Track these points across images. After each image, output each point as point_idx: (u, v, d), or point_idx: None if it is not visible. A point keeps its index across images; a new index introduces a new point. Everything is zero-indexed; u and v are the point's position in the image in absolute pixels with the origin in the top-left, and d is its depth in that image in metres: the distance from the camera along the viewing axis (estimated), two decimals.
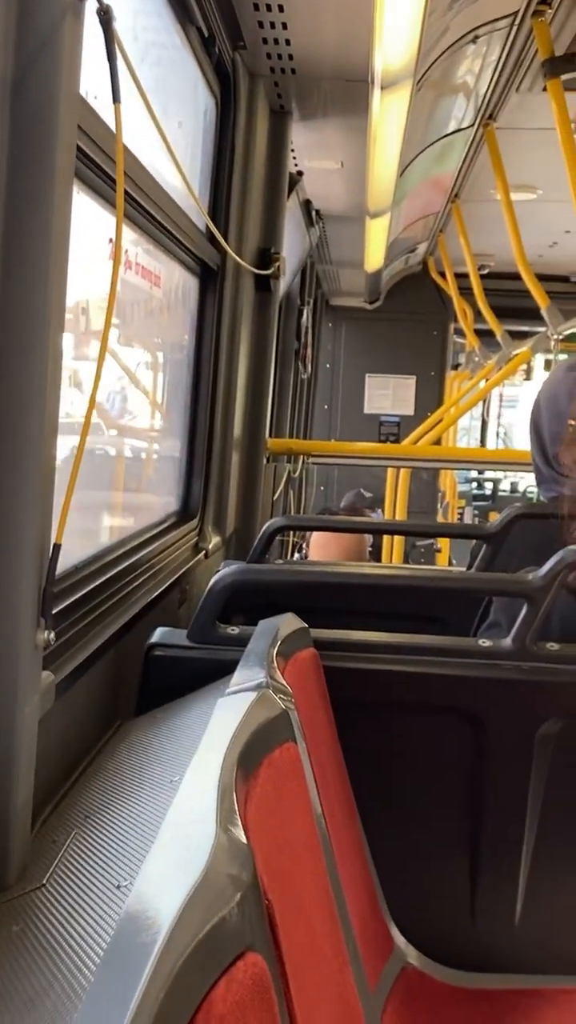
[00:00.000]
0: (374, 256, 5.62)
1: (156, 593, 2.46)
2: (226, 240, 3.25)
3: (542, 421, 2.66)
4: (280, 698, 1.64)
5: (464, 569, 3.63)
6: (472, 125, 4.63)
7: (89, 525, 2.48)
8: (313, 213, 5.67)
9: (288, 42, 3.15)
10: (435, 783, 2.24)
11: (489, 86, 4.11)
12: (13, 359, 1.38)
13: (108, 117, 1.69)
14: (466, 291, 6.87)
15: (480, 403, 12.34)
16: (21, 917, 1.31)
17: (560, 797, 2.18)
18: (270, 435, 4.21)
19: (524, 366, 10.78)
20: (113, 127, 1.56)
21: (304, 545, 5.67)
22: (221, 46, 3.04)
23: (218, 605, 2.19)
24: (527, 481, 11.80)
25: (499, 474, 13.09)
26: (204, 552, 3.25)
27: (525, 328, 7.64)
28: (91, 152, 1.79)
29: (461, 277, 7.05)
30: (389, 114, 3.03)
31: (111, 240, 1.72)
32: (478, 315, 6.75)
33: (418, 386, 9.42)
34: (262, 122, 3.58)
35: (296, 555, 6.01)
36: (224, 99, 3.31)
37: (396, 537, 6.64)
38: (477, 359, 7.70)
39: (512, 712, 2.17)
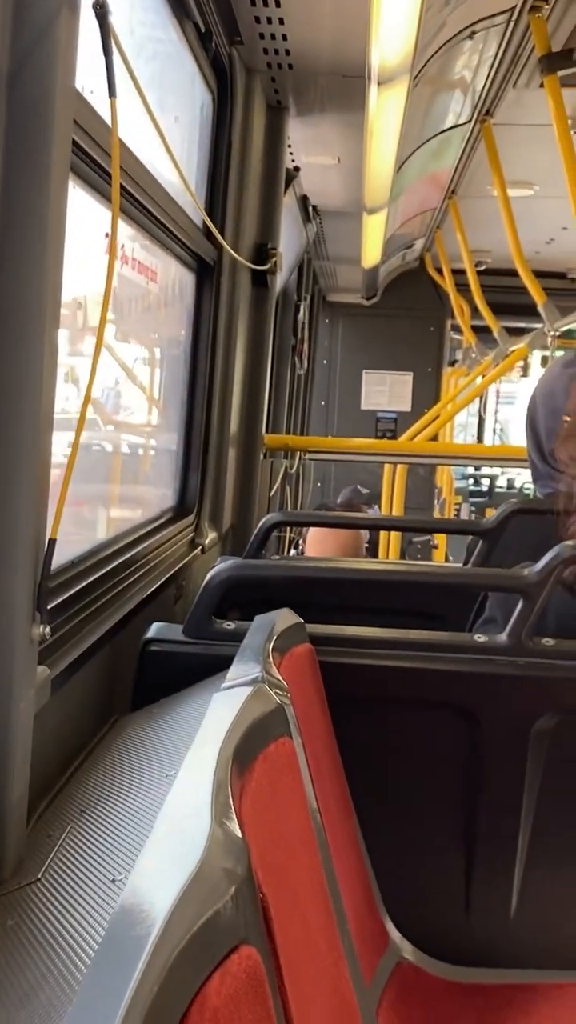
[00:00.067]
0: (371, 252, 5.61)
1: (152, 588, 2.46)
2: (223, 235, 3.25)
3: (538, 417, 2.66)
4: (276, 693, 1.64)
5: (460, 565, 3.63)
6: (469, 121, 4.63)
7: (86, 519, 2.49)
8: (310, 209, 5.67)
9: (285, 37, 3.14)
10: (430, 778, 2.24)
11: (486, 82, 4.11)
12: (8, 353, 1.37)
13: (104, 112, 1.69)
14: (463, 287, 6.86)
15: (477, 399, 12.36)
16: (16, 911, 1.32)
17: (555, 792, 2.18)
18: (267, 431, 4.21)
19: (521, 362, 10.79)
20: (109, 122, 1.56)
21: (300, 541, 5.68)
22: (218, 41, 3.04)
23: (214, 600, 2.19)
24: (524, 477, 11.81)
25: (496, 470, 13.11)
26: (200, 548, 3.25)
27: (522, 324, 7.63)
28: (87, 146, 1.79)
29: (458, 273, 7.05)
30: (386, 110, 3.02)
31: (107, 235, 1.72)
32: (475, 311, 6.75)
33: (415, 382, 9.42)
34: (259, 117, 3.58)
35: (292, 551, 6.02)
36: (221, 94, 3.31)
37: (393, 533, 6.64)
38: (474, 355, 7.71)
39: (507, 707, 2.17)
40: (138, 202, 2.35)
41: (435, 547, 8.23)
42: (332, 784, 2.03)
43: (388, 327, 9.32)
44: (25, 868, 1.43)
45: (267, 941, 1.11)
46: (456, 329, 8.94)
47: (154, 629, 2.22)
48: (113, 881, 1.33)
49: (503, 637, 2.17)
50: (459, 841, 2.22)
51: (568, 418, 2.54)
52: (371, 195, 4.08)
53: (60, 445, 1.57)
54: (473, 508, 11.82)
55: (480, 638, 2.21)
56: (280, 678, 1.74)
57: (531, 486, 2.88)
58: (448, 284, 7.46)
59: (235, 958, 0.95)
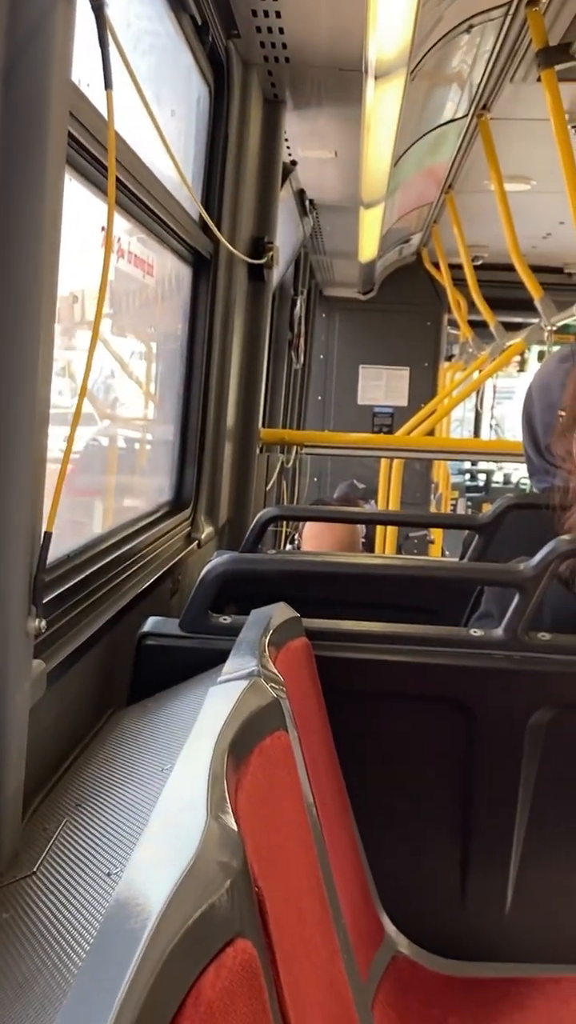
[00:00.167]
0: (368, 246, 5.62)
1: (148, 583, 2.46)
2: (219, 229, 3.24)
3: (534, 412, 2.66)
4: (271, 687, 1.64)
5: (456, 560, 3.63)
6: (466, 115, 4.63)
7: (83, 514, 2.49)
8: (307, 203, 5.67)
9: (282, 31, 3.14)
10: (426, 772, 2.24)
11: (483, 76, 4.11)
12: (4, 347, 1.37)
13: (100, 104, 1.69)
14: (460, 282, 6.86)
15: (474, 394, 12.36)
16: (11, 905, 1.32)
17: (551, 786, 2.18)
18: (263, 425, 4.21)
19: (518, 357, 10.79)
20: (105, 114, 1.56)
21: (297, 536, 5.68)
22: (214, 34, 3.03)
23: (210, 594, 2.19)
24: (520, 472, 11.81)
25: (492, 465, 13.10)
26: (197, 542, 3.25)
27: (519, 319, 7.63)
28: (83, 139, 1.79)
29: (455, 268, 7.05)
30: (383, 104, 3.03)
31: (103, 228, 1.72)
32: (472, 306, 6.75)
33: (412, 377, 9.42)
34: (256, 111, 3.58)
35: (289, 546, 6.02)
36: (217, 88, 3.31)
37: (389, 528, 6.64)
38: (471, 350, 7.70)
39: (503, 701, 2.17)
40: (134, 195, 2.35)
41: (431, 542, 8.23)
42: (328, 778, 2.03)
43: (385, 322, 9.32)
44: (20, 861, 1.43)
45: (262, 935, 1.11)
46: (453, 324, 8.94)
47: (150, 623, 2.22)
48: (108, 875, 1.33)
49: (499, 631, 2.17)
50: (455, 835, 2.22)
51: (563, 413, 2.54)
52: (368, 189, 4.09)
53: (56, 439, 1.57)
54: (469, 503, 11.82)
55: (476, 632, 2.21)
56: (276, 672, 1.74)
57: (527, 481, 2.88)
58: (445, 279, 7.46)
59: (230, 951, 0.95)
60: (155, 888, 0.93)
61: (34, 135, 1.35)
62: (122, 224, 2.47)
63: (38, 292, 1.38)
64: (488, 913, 2.21)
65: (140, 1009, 0.79)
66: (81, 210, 1.97)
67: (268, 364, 4.37)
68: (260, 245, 3.74)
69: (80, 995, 0.83)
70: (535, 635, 2.17)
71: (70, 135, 1.58)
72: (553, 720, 2.17)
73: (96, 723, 2.04)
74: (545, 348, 5.93)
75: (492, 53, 3.83)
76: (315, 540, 4.75)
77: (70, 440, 1.54)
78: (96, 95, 1.73)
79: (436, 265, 7.82)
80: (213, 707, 1.50)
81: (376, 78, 2.76)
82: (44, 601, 1.49)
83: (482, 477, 13.27)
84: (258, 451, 4.09)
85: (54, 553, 1.83)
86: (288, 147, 4.32)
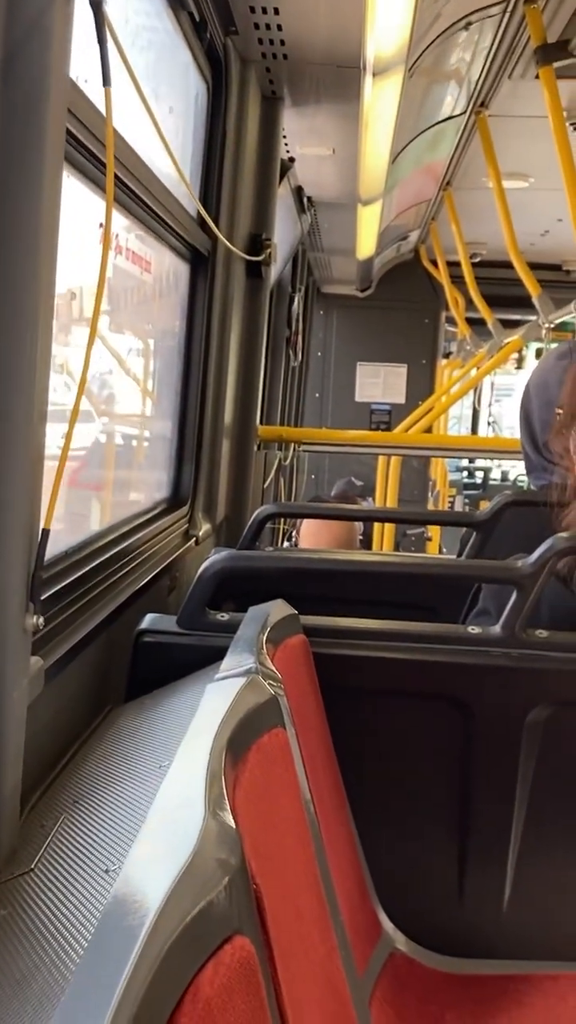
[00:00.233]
0: (366, 243, 5.62)
1: (146, 580, 2.46)
2: (217, 226, 3.24)
3: (532, 409, 2.66)
4: (269, 684, 1.64)
5: (454, 557, 3.63)
6: (464, 112, 4.63)
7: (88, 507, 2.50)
8: (305, 200, 5.66)
9: (280, 27, 3.14)
10: (424, 769, 2.24)
11: (481, 73, 4.11)
12: (2, 344, 1.37)
13: (99, 101, 1.69)
14: (458, 279, 6.86)
15: (471, 392, 12.36)
16: (9, 901, 1.32)
17: (548, 784, 2.18)
18: (261, 422, 4.21)
19: (515, 355, 10.79)
20: (104, 111, 1.55)
21: (294, 533, 5.67)
22: (212, 31, 3.03)
23: (208, 591, 2.19)
24: (518, 470, 11.82)
25: (490, 463, 13.11)
26: (194, 539, 3.25)
27: (517, 316, 7.64)
28: (81, 136, 1.79)
29: (453, 265, 7.04)
30: (381, 101, 3.03)
31: (101, 225, 1.72)
32: (470, 303, 6.75)
33: (409, 374, 9.42)
34: (254, 108, 3.57)
35: (286, 543, 6.01)
36: (215, 84, 3.30)
37: (387, 526, 6.64)
38: (468, 347, 7.70)
39: (501, 699, 2.17)
40: (132, 192, 2.35)
41: (429, 539, 8.23)
42: (326, 775, 2.03)
43: (383, 319, 9.32)
44: (18, 858, 1.43)
45: (260, 932, 1.11)
46: (451, 321, 8.93)
47: (148, 620, 2.22)
48: (106, 871, 1.33)
49: (497, 629, 2.17)
50: (452, 832, 2.22)
51: (560, 410, 2.54)
52: (366, 186, 4.08)
53: (55, 436, 1.57)
54: (467, 500, 11.82)
55: (474, 630, 2.21)
56: (274, 669, 1.74)
57: (525, 478, 2.88)
58: (443, 276, 7.46)
59: (228, 949, 0.95)
60: (153, 885, 0.93)
61: (32, 132, 1.35)
62: (120, 221, 2.47)
63: (36, 289, 1.38)
64: (486, 910, 2.21)
65: (138, 1006, 0.79)
66: (79, 207, 1.97)
67: (266, 361, 4.37)
68: (258, 242, 3.74)
69: (78, 991, 0.83)
70: (533, 632, 2.17)
71: (68, 132, 1.58)
72: (550, 717, 2.17)
73: (94, 720, 2.04)
74: (543, 345, 5.93)
75: (490, 50, 3.83)
76: (313, 537, 4.75)
77: (68, 437, 1.54)
78: (94, 92, 1.72)
79: (434, 262, 7.82)
80: (211, 704, 1.50)
81: (374, 75, 2.76)
82: (42, 598, 1.49)
83: (480, 474, 13.27)
84: (256, 448, 4.08)
85: (52, 550, 1.83)
86: (286, 144, 4.32)
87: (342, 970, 1.65)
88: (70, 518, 2.45)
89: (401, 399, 9.35)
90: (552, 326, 5.08)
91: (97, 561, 2.21)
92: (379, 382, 9.47)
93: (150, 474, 3.31)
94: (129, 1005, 0.79)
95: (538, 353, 10.89)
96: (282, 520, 5.86)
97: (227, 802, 1.15)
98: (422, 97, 4.11)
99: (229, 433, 3.70)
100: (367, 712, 2.21)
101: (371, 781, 2.21)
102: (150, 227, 2.70)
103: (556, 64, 3.59)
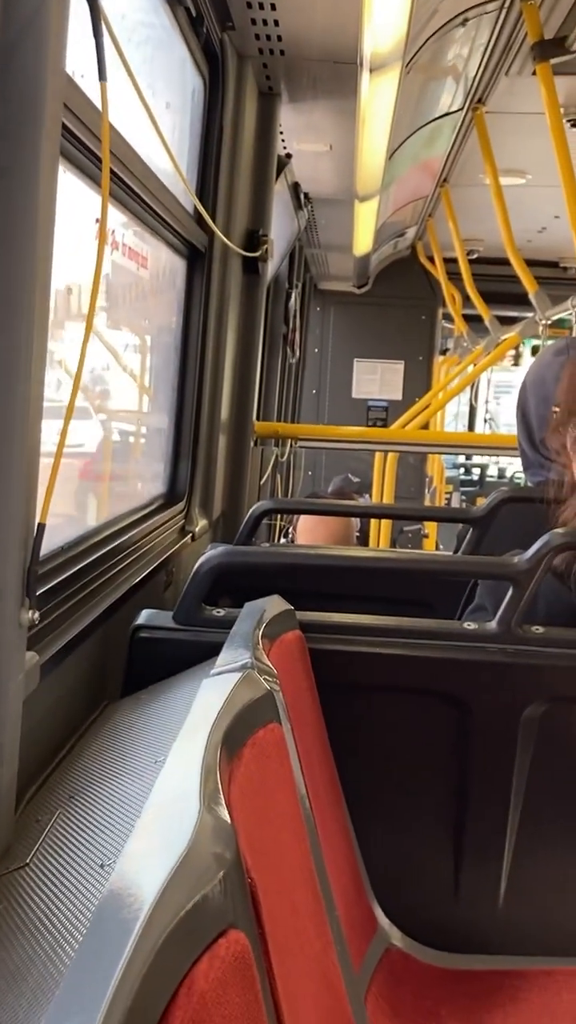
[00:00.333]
0: (363, 240, 5.62)
1: (142, 575, 2.46)
2: (214, 221, 3.24)
3: (529, 405, 2.66)
4: (265, 679, 1.64)
5: (451, 553, 3.63)
6: (461, 109, 4.62)
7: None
8: (302, 196, 5.66)
9: (277, 23, 3.14)
10: (420, 765, 2.24)
11: (478, 69, 4.10)
12: None
13: (95, 96, 1.69)
14: (455, 276, 6.86)
15: (468, 388, 12.35)
16: (4, 896, 1.32)
17: (544, 779, 2.19)
18: (257, 419, 4.21)
19: (512, 352, 10.79)
20: (99, 106, 1.55)
21: (291, 530, 5.67)
22: (209, 26, 3.03)
23: (204, 587, 2.19)
24: (515, 466, 11.82)
25: (487, 459, 13.11)
26: (191, 535, 3.25)
27: (514, 313, 7.64)
28: (77, 131, 1.78)
29: (450, 262, 7.04)
30: (378, 97, 3.02)
31: (97, 220, 1.72)
32: (467, 300, 6.74)
33: (406, 371, 9.42)
34: (250, 103, 3.57)
35: (283, 540, 6.01)
36: (212, 80, 3.30)
37: (384, 522, 6.64)
38: (465, 344, 7.69)
39: (497, 695, 2.18)
40: (129, 188, 2.34)
41: (426, 536, 8.22)
42: (321, 770, 2.03)
43: (380, 316, 9.31)
44: (14, 853, 1.43)
45: (255, 926, 1.11)
46: (447, 318, 8.93)
47: (144, 616, 2.22)
48: (102, 866, 1.33)
49: (493, 625, 2.17)
50: (448, 828, 2.22)
51: (556, 409, 2.54)
52: (363, 183, 4.08)
53: (51, 432, 1.57)
54: (464, 497, 11.82)
55: (470, 626, 2.21)
56: (269, 664, 1.74)
57: (522, 475, 2.89)
58: (440, 273, 7.46)
59: (223, 942, 0.95)
60: (148, 879, 0.93)
61: (28, 126, 1.35)
62: (118, 217, 2.47)
63: (32, 284, 1.38)
64: (481, 905, 2.22)
65: (133, 999, 0.79)
66: (76, 202, 1.96)
67: (263, 357, 4.37)
68: (255, 238, 3.74)
69: (73, 984, 0.83)
70: (529, 628, 2.17)
71: (64, 127, 1.58)
72: (546, 713, 2.17)
73: (90, 715, 2.04)
74: (540, 342, 5.94)
75: (487, 46, 3.82)
76: (309, 534, 4.75)
77: (63, 433, 1.54)
78: (90, 87, 1.72)
79: (431, 259, 7.82)
80: (206, 699, 1.50)
81: (371, 71, 2.76)
82: (38, 593, 1.49)
83: (476, 471, 13.28)
84: (252, 444, 4.08)
85: (49, 545, 1.83)
86: (283, 140, 4.32)
87: (337, 965, 1.65)
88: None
89: (398, 396, 9.35)
90: (549, 323, 5.08)
91: (93, 557, 2.21)
92: (376, 378, 9.46)
93: (148, 468, 3.32)
94: (124, 998, 0.79)
95: (534, 350, 10.89)
96: (279, 516, 5.86)
97: (222, 797, 1.15)
98: (419, 93, 4.11)
99: (226, 429, 3.70)
100: (363, 708, 2.21)
101: (367, 777, 2.21)
102: (147, 222, 2.70)
103: (553, 60, 3.59)
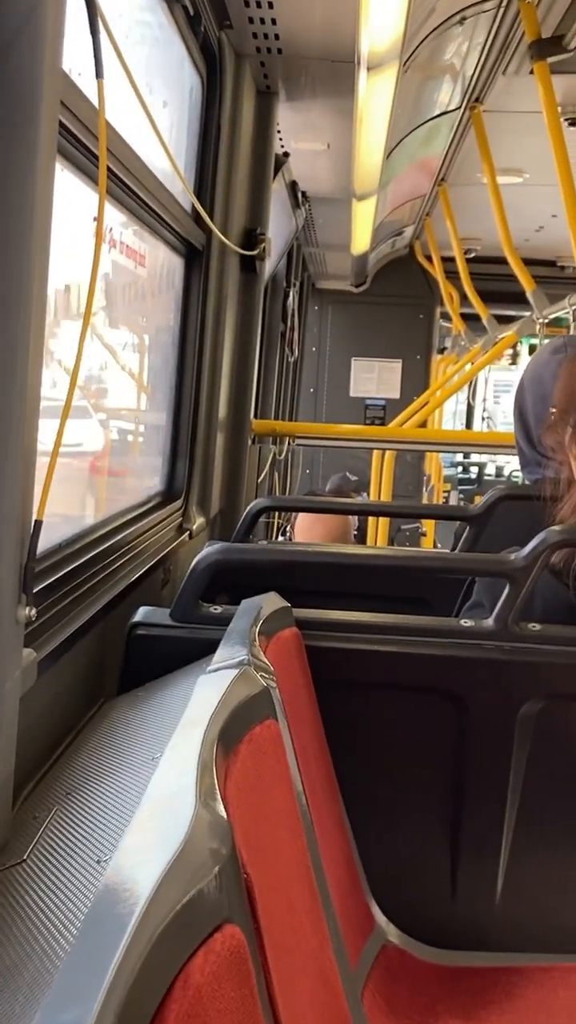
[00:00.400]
0: (360, 239, 5.61)
1: (140, 573, 2.47)
2: (212, 220, 3.24)
3: (526, 403, 2.66)
4: (261, 676, 1.64)
5: (447, 551, 3.63)
6: (459, 108, 4.62)
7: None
8: (299, 195, 5.66)
9: (274, 22, 3.14)
10: (417, 762, 2.25)
11: (476, 68, 4.10)
12: None
13: (92, 94, 1.69)
14: (452, 275, 6.87)
15: (466, 387, 12.36)
16: (1, 892, 1.32)
17: (540, 776, 2.19)
18: (255, 417, 4.21)
19: (510, 350, 10.79)
20: (96, 103, 1.55)
21: (289, 528, 5.68)
22: (207, 25, 3.03)
23: (201, 584, 2.20)
24: (513, 465, 11.82)
25: (485, 458, 13.12)
26: (188, 533, 3.25)
27: (511, 312, 7.65)
28: (74, 128, 1.78)
29: (448, 261, 7.05)
30: (375, 95, 3.02)
31: (95, 218, 1.72)
32: (464, 299, 6.75)
33: (404, 370, 9.43)
34: (248, 102, 3.57)
35: (281, 538, 6.02)
36: (210, 78, 3.30)
37: (381, 520, 6.65)
38: (463, 343, 7.70)
39: (494, 692, 2.18)
40: (126, 185, 2.34)
41: (423, 534, 8.23)
42: (318, 767, 2.04)
43: (377, 314, 9.32)
44: (10, 850, 1.44)
45: (251, 921, 1.12)
46: (445, 317, 8.94)
47: (141, 613, 2.22)
48: (98, 862, 1.33)
49: (489, 622, 2.18)
50: (445, 825, 2.23)
51: (554, 409, 2.54)
52: (361, 181, 4.08)
53: (48, 430, 1.57)
54: (462, 496, 11.83)
55: (467, 623, 2.21)
56: (266, 661, 1.74)
57: (520, 473, 2.89)
58: (437, 271, 7.47)
59: (218, 937, 0.95)
60: (144, 873, 0.93)
61: (24, 123, 1.35)
62: (117, 216, 2.47)
63: (29, 282, 1.38)
64: (478, 903, 2.22)
65: (128, 992, 0.79)
66: (73, 200, 1.97)
67: (260, 356, 4.37)
68: (252, 236, 3.74)
69: (68, 978, 0.84)
70: (526, 626, 2.17)
71: (61, 124, 1.58)
72: (543, 710, 2.17)
73: (87, 712, 2.04)
74: (537, 341, 5.94)
75: (485, 45, 3.82)
76: (307, 532, 4.75)
77: (60, 429, 1.54)
78: (87, 84, 1.72)
79: (429, 258, 7.83)
80: (203, 695, 1.50)
81: (369, 70, 2.76)
82: (35, 590, 1.49)
83: (474, 470, 13.29)
84: (250, 442, 4.08)
85: (46, 543, 1.83)
86: (281, 139, 4.32)
87: (334, 961, 1.65)
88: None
89: (396, 394, 9.36)
90: (546, 321, 5.09)
91: (91, 554, 2.21)
92: (374, 377, 9.47)
93: (153, 465, 3.33)
94: (119, 991, 0.79)
95: (532, 349, 10.90)
96: (276, 515, 5.87)
97: (218, 792, 1.15)
98: (417, 92, 4.12)
99: (223, 427, 3.71)
100: (360, 705, 2.22)
101: (364, 774, 2.22)
102: (144, 221, 2.70)
103: (550, 59, 3.59)
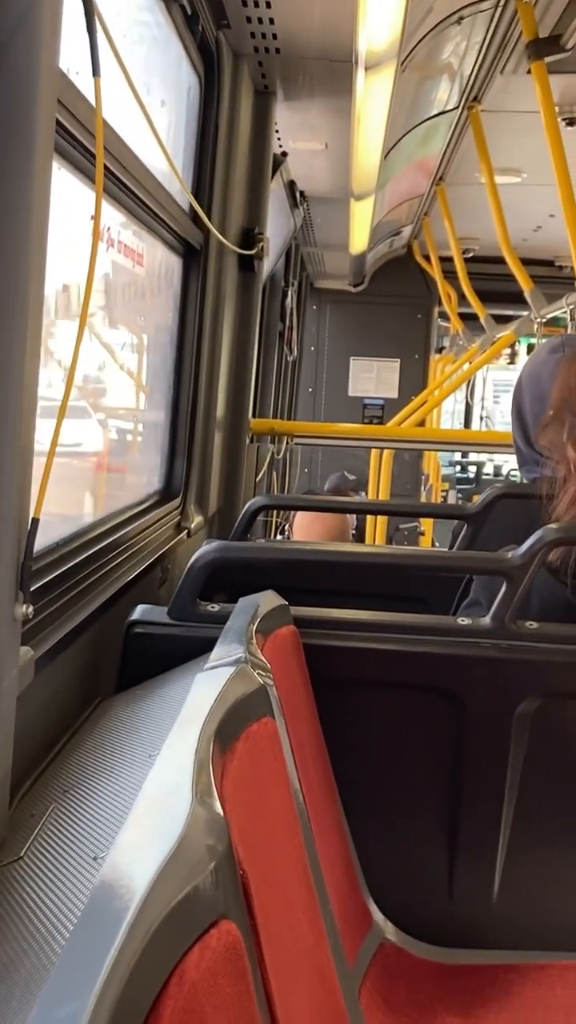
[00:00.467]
0: (359, 238, 5.61)
1: (138, 571, 2.47)
2: (209, 219, 3.24)
3: (524, 402, 2.66)
4: (258, 673, 1.64)
5: (445, 549, 3.64)
6: (457, 107, 4.63)
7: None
8: (297, 194, 5.66)
9: (272, 21, 3.14)
10: (414, 761, 2.25)
11: (474, 68, 4.11)
12: None
13: (89, 93, 1.69)
14: (450, 274, 6.87)
15: (464, 386, 12.37)
16: None
17: (537, 775, 2.19)
18: (254, 416, 4.21)
19: (508, 350, 10.80)
20: (93, 102, 1.56)
21: (287, 527, 5.68)
22: (205, 25, 3.03)
23: (198, 582, 2.20)
24: (511, 464, 11.83)
25: (483, 457, 13.13)
26: (186, 531, 3.25)
27: (509, 312, 7.65)
28: (71, 127, 1.78)
29: (446, 260, 7.06)
30: (373, 95, 3.02)
31: (92, 217, 1.72)
32: (462, 298, 6.76)
33: (402, 369, 9.43)
34: (246, 102, 3.57)
35: (279, 536, 6.02)
36: (208, 78, 3.30)
37: (380, 519, 6.65)
38: (461, 342, 7.71)
39: (491, 690, 2.18)
40: (123, 184, 2.34)
41: (422, 534, 8.23)
42: (315, 765, 2.04)
43: (375, 314, 9.33)
44: (8, 847, 1.44)
45: (247, 917, 1.12)
46: (443, 316, 8.95)
47: (139, 611, 2.23)
48: (95, 859, 1.33)
49: (487, 620, 2.18)
50: (442, 823, 2.23)
51: (551, 411, 2.55)
52: (359, 181, 4.08)
53: (46, 429, 1.57)
54: (460, 495, 11.84)
55: (464, 621, 2.21)
56: (263, 659, 1.74)
57: (518, 472, 2.90)
58: (435, 271, 7.47)
59: (214, 933, 0.96)
60: (140, 870, 0.94)
61: (21, 122, 1.35)
62: (115, 216, 2.47)
63: (26, 282, 1.38)
64: (475, 900, 2.22)
65: (123, 987, 0.80)
66: (71, 199, 1.97)
67: (259, 355, 4.37)
68: (250, 236, 3.74)
69: (63, 974, 0.84)
70: (523, 624, 2.17)
71: (58, 122, 1.58)
72: (540, 709, 2.17)
73: (84, 710, 2.05)
74: (535, 341, 5.95)
75: (483, 45, 3.83)
76: (305, 530, 4.76)
77: (57, 428, 1.55)
78: (84, 83, 1.73)
79: (427, 258, 7.83)
80: (200, 693, 1.51)
81: (366, 69, 2.76)
82: (32, 588, 1.49)
83: (472, 469, 13.29)
84: (248, 441, 4.09)
85: (44, 541, 1.83)
86: (279, 138, 4.32)
87: (331, 958, 1.65)
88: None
89: (394, 394, 9.37)
90: (544, 321, 5.09)
91: (88, 552, 2.21)
92: (372, 377, 9.48)
93: (152, 462, 3.33)
94: (114, 987, 0.79)
95: (530, 348, 10.90)
96: (275, 513, 5.87)
97: (215, 790, 1.16)
98: (414, 92, 4.12)
99: (221, 426, 3.71)
100: (357, 703, 2.22)
101: (361, 772, 2.22)
102: (142, 220, 2.70)
103: (548, 59, 3.59)
